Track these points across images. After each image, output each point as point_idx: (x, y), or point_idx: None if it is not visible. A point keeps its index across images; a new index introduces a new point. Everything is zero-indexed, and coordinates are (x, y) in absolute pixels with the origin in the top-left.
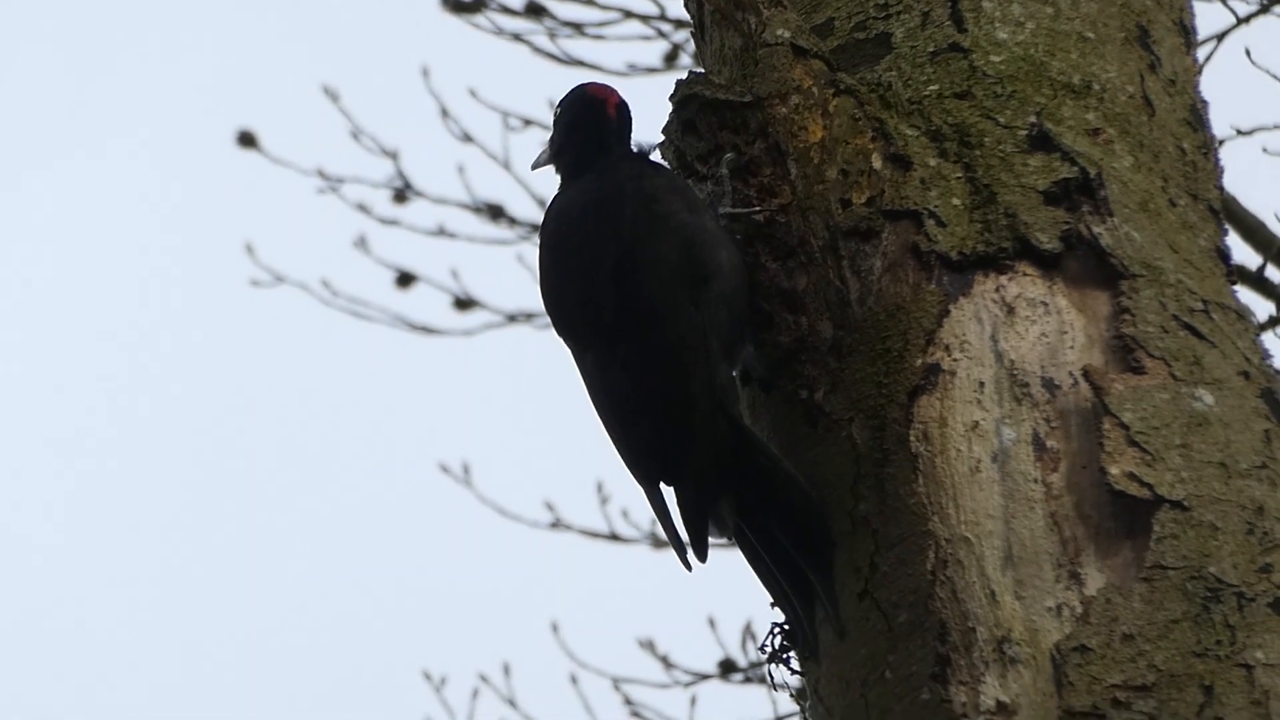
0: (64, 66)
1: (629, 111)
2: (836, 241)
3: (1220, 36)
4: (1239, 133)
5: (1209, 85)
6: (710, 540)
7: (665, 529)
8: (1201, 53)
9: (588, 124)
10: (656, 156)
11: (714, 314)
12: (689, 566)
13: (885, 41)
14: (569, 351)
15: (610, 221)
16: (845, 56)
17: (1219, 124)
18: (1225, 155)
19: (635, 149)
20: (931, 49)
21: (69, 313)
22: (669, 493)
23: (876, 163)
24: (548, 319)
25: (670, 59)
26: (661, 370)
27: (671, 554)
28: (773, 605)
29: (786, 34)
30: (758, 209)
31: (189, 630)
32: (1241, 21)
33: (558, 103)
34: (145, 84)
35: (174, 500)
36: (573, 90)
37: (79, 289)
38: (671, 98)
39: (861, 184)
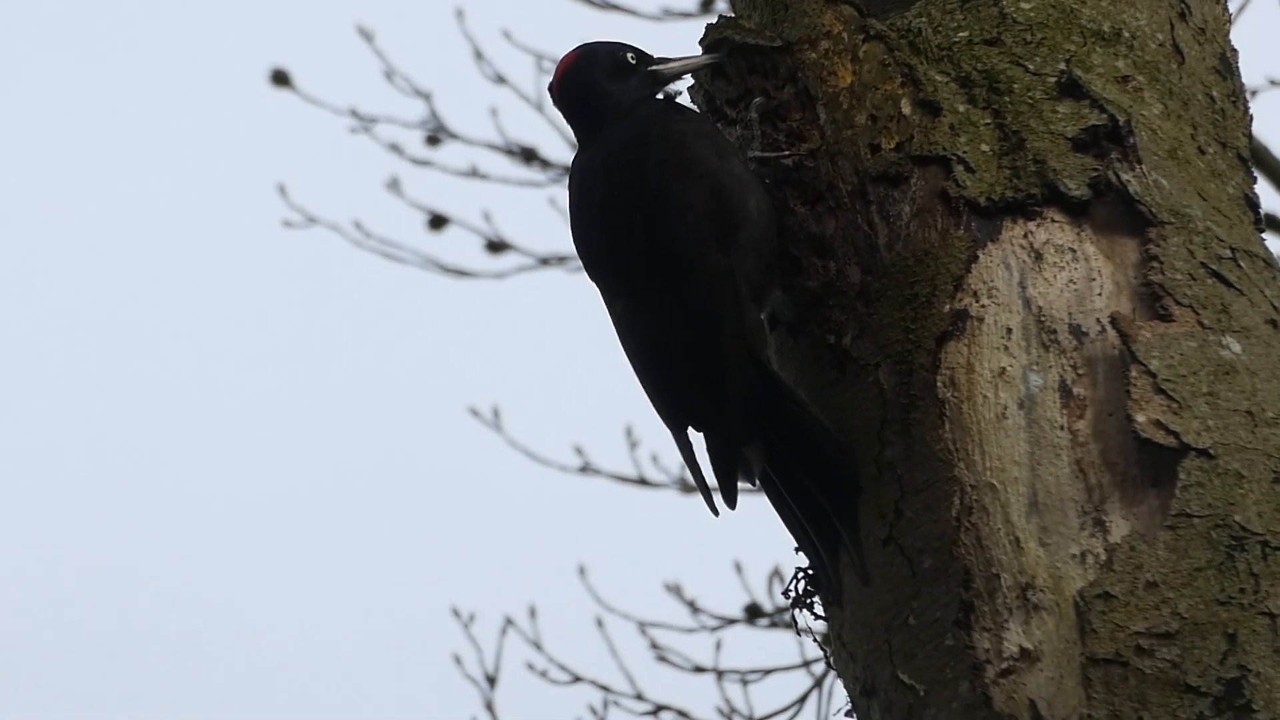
0: (94, 7)
1: (576, 74)
2: (865, 186)
3: None
4: (1272, 83)
5: (1242, 35)
6: (738, 486)
7: (693, 474)
8: (1235, 3)
9: (578, 96)
10: (685, 100)
11: (742, 259)
12: (716, 512)
13: None
14: (600, 296)
15: (637, 167)
16: (875, 2)
17: (1252, 74)
18: (1257, 105)
19: (660, 95)
20: None
21: (98, 253)
22: (697, 438)
23: (906, 108)
24: (579, 262)
25: (705, 4)
26: (690, 315)
27: (699, 499)
28: (797, 550)
29: None
30: (786, 153)
31: (220, 568)
32: None
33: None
34: (178, 22)
35: (204, 440)
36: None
37: (107, 229)
38: (701, 41)
39: (890, 129)
